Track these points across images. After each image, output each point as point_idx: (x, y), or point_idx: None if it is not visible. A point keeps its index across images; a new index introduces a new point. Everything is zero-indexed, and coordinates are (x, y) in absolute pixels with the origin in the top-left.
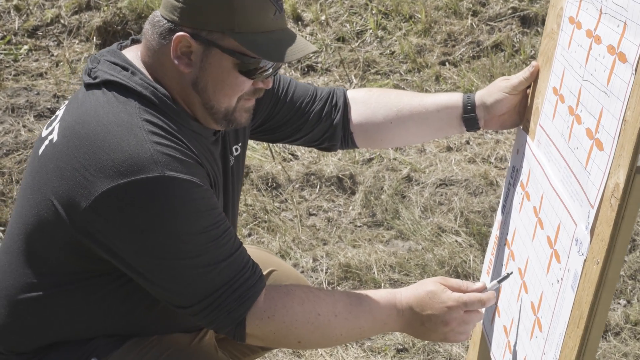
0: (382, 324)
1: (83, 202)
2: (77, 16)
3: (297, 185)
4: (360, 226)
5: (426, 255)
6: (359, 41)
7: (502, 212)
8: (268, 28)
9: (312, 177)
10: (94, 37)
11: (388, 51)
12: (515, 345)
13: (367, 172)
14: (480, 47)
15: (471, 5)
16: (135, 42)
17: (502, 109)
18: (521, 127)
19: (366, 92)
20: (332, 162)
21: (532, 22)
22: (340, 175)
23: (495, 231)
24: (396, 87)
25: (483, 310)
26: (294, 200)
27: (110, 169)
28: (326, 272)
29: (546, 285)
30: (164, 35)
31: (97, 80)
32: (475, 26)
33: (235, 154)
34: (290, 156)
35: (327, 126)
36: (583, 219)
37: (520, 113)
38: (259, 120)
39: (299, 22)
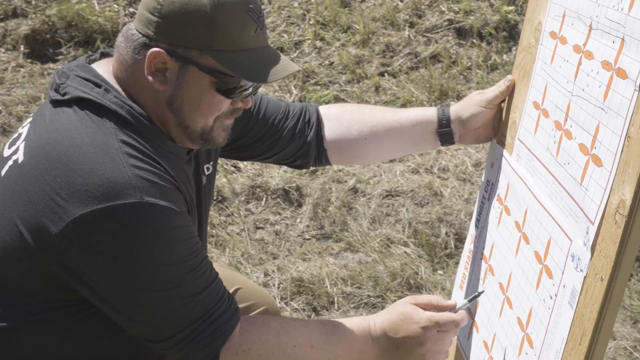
0: (358, 352)
1: (53, 228)
2: (2, 24)
3: (242, 199)
4: (309, 239)
5: (377, 267)
6: (298, 52)
7: (477, 227)
8: (248, 46)
9: (258, 189)
10: (22, 46)
11: (327, 62)
12: None
13: (313, 184)
14: (418, 58)
15: (408, 17)
16: (105, 55)
17: (478, 123)
18: (495, 140)
19: (339, 108)
20: (277, 174)
21: (467, 34)
22: (287, 188)
23: (468, 245)
24: (336, 98)
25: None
26: (241, 213)
27: (84, 194)
28: (278, 287)
29: (536, 300)
30: (137, 50)
31: (66, 97)
32: (412, 37)
33: (207, 173)
34: (233, 168)
35: (301, 143)
36: (580, 235)
37: (494, 127)
38: (230, 137)
39: None
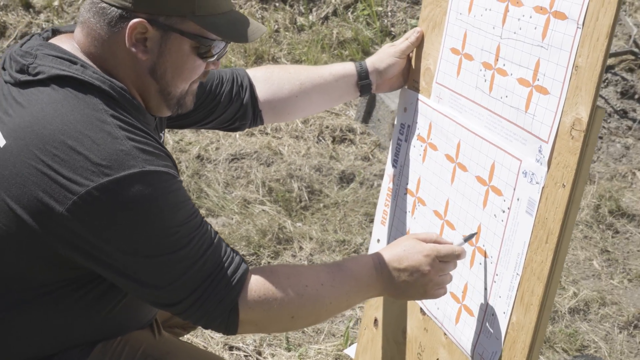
0: (365, 286)
1: (59, 207)
2: None
3: None
4: None
5: (243, 227)
6: None
7: (394, 166)
8: (223, 9)
9: None
10: None
11: None
12: None
13: None
14: None
15: None
16: (56, 32)
17: (394, 73)
18: (406, 87)
19: (265, 70)
20: None
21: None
22: None
23: (387, 184)
24: None
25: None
26: None
27: (87, 170)
28: None
29: (485, 217)
30: (114, 23)
31: (41, 77)
32: None
33: (161, 140)
34: None
35: (238, 106)
36: (531, 154)
37: (404, 75)
38: None
39: (30, 10)
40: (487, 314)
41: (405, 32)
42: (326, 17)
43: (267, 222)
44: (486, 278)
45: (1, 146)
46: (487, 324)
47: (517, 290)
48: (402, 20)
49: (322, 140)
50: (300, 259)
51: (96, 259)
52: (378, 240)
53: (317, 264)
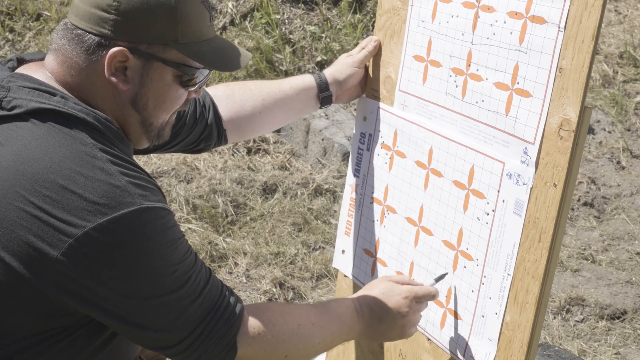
0: (348, 328)
1: (53, 252)
2: None
3: None
4: None
5: None
6: None
7: (356, 176)
8: (207, 36)
9: None
10: None
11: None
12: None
13: None
14: None
15: None
16: (21, 61)
17: (353, 83)
18: (364, 96)
19: (225, 87)
20: None
21: None
22: None
23: (349, 195)
24: None
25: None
26: None
27: (82, 210)
28: None
29: (467, 220)
30: (92, 51)
31: (18, 111)
32: None
33: None
34: None
35: (203, 127)
36: (515, 155)
37: (362, 85)
38: None
39: None
40: (476, 315)
41: (304, 38)
42: (224, 28)
43: (198, 241)
44: (472, 281)
45: None
46: (477, 326)
47: (509, 290)
48: (300, 26)
49: (237, 152)
50: (237, 275)
51: (93, 304)
52: (343, 251)
53: (303, 303)
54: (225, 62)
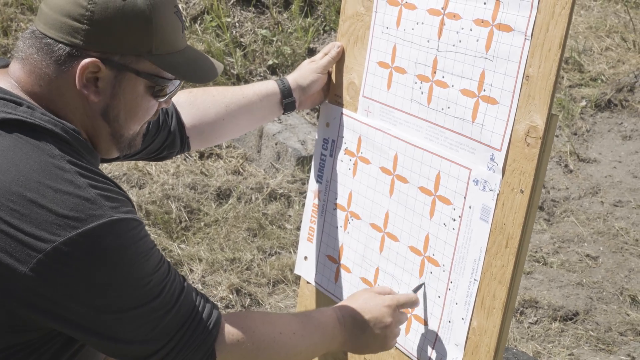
0: (330, 338)
1: (21, 267)
2: None
3: None
4: None
5: None
6: None
7: (319, 182)
8: (180, 47)
9: None
10: None
11: None
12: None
13: None
14: None
15: None
16: None
17: (316, 89)
18: (327, 101)
19: (187, 94)
20: None
21: None
22: None
23: (311, 200)
24: None
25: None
26: None
27: (51, 224)
28: None
29: (433, 226)
30: (62, 61)
31: None
32: None
33: None
34: None
35: (166, 134)
36: (481, 162)
37: (325, 90)
38: None
39: None
40: (442, 321)
41: (255, 42)
42: None
43: None
44: (439, 286)
45: None
46: (443, 332)
47: (476, 296)
48: (251, 30)
49: (189, 157)
50: (193, 282)
51: (64, 320)
52: (305, 258)
53: (285, 313)
54: (198, 73)
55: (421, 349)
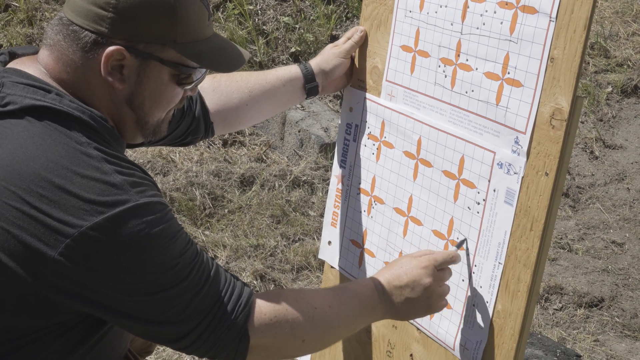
0: (370, 308)
1: (50, 252)
2: None
3: None
4: None
5: None
6: None
7: (342, 167)
8: (205, 35)
9: None
10: None
11: None
12: None
13: None
14: None
15: None
16: (13, 55)
17: (339, 73)
18: (350, 86)
19: (211, 79)
20: None
21: None
22: None
23: (335, 185)
24: None
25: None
26: None
27: (79, 209)
28: None
29: (457, 210)
30: (88, 48)
31: (12, 107)
32: None
33: None
34: None
35: (190, 120)
36: (506, 145)
37: (348, 75)
38: None
39: None
40: (467, 304)
41: (277, 29)
42: None
43: None
44: (463, 270)
45: None
46: (468, 315)
47: (500, 279)
48: (273, 17)
49: (213, 145)
50: None
51: (94, 303)
52: (329, 243)
53: (319, 288)
54: (223, 62)
55: (446, 333)
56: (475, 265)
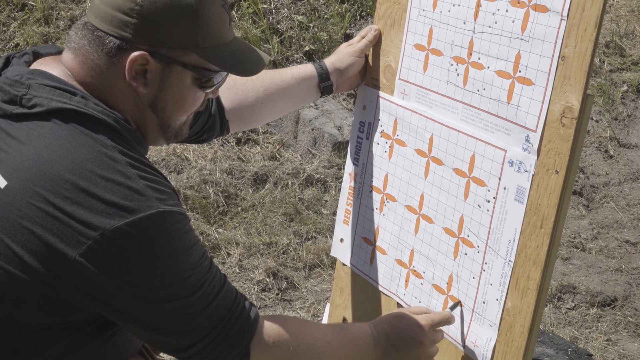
0: (363, 353)
1: (71, 253)
2: None
3: None
4: None
5: None
6: None
7: (355, 164)
8: (226, 39)
9: None
10: None
11: (12, 44)
12: (423, 273)
13: None
14: None
15: None
16: (37, 55)
17: (353, 72)
18: (364, 84)
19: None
20: None
21: None
22: None
23: (347, 183)
24: None
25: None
26: None
27: (102, 212)
28: None
29: (467, 208)
30: (112, 53)
31: (39, 110)
32: None
33: None
34: None
35: (207, 117)
36: (517, 143)
37: (362, 73)
38: None
39: None
40: (477, 302)
41: (291, 28)
42: None
43: (197, 231)
44: (473, 267)
45: (1, 187)
46: (477, 312)
47: (510, 277)
48: (288, 16)
49: (227, 143)
50: (230, 265)
51: (107, 305)
52: (341, 240)
53: (320, 322)
54: (244, 66)
55: (456, 329)
56: (486, 263)
